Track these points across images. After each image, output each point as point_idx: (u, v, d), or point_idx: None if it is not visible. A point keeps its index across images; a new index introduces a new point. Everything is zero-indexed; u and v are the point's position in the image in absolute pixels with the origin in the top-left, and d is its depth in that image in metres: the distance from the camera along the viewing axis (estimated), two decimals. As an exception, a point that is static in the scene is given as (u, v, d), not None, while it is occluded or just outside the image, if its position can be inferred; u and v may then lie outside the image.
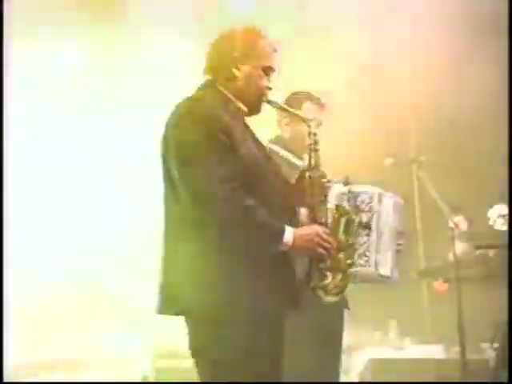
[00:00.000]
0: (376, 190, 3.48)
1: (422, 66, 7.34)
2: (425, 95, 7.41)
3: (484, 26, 6.67)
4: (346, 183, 3.23)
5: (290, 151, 3.65)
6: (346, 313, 3.70)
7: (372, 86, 7.25)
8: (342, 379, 5.15)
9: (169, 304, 2.64)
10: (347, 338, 6.06)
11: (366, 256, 3.40)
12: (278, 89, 3.02)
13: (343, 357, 3.97)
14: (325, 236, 2.68)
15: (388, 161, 4.54)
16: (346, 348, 5.71)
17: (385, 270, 3.47)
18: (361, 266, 3.37)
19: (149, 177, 2.82)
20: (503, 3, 6.01)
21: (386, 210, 3.50)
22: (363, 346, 5.81)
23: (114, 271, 7.55)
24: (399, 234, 3.59)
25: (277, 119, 3.77)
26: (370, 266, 3.41)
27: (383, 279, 3.50)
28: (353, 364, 5.30)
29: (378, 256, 3.43)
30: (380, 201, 3.46)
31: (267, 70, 2.83)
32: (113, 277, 7.45)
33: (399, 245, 3.58)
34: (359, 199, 3.39)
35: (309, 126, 2.87)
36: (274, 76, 2.88)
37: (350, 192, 3.30)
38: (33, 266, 7.28)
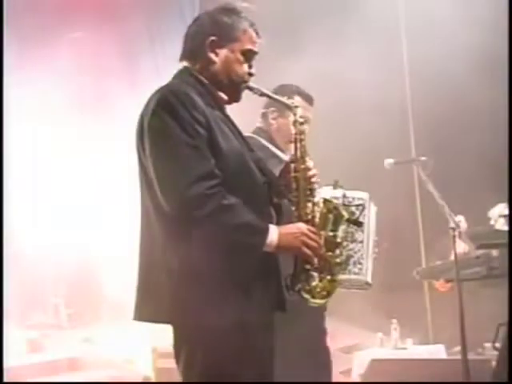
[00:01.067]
0: (366, 195, 3.45)
1: (423, 65, 7.34)
2: (426, 95, 7.42)
3: (485, 28, 6.67)
4: (336, 186, 3.14)
5: (273, 145, 3.54)
6: (347, 314, 3.67)
7: (372, 86, 7.25)
8: (344, 380, 5.15)
9: (145, 308, 2.49)
10: (349, 339, 6.08)
11: (360, 264, 3.36)
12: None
13: (345, 357, 3.96)
14: (311, 235, 2.49)
15: (388, 161, 4.51)
16: (347, 348, 5.72)
17: (369, 278, 3.45)
18: (355, 273, 3.31)
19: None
20: (503, 3, 6.01)
21: (372, 217, 3.47)
22: (365, 347, 5.80)
23: (115, 271, 7.56)
24: (375, 241, 3.55)
25: (263, 112, 3.63)
26: (363, 274, 3.37)
27: (366, 287, 3.47)
28: (354, 364, 5.29)
29: (367, 264, 3.40)
30: (369, 207, 3.43)
31: (248, 54, 2.62)
32: (114, 276, 7.45)
33: (375, 253, 3.55)
34: (353, 204, 3.35)
35: (294, 114, 2.67)
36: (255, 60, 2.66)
37: (344, 197, 3.24)
38: (33, 266, 7.28)
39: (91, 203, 7.56)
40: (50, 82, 7.04)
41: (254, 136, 3.49)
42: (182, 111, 2.42)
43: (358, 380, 5.15)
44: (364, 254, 3.38)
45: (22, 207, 7.16)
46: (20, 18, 6.89)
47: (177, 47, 2.74)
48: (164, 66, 7.47)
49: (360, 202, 3.40)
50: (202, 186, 2.35)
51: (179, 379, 2.52)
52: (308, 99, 3.60)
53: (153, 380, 5.14)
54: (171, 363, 2.37)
